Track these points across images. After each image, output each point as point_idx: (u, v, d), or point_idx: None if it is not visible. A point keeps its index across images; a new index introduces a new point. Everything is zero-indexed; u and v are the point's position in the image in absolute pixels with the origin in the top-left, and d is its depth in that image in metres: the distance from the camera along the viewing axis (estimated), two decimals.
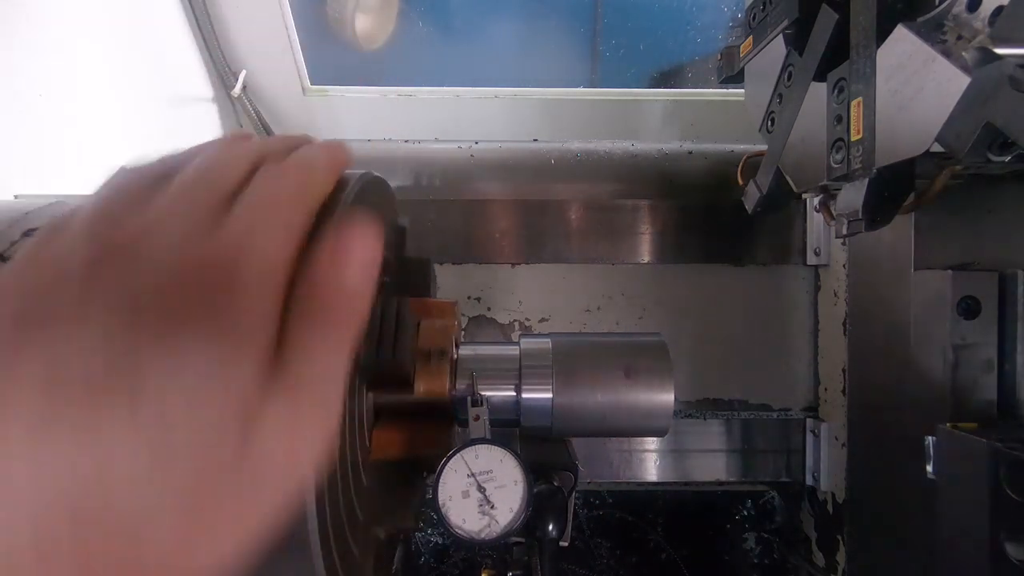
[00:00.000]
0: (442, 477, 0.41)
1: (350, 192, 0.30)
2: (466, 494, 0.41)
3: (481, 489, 0.41)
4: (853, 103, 0.41)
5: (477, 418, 0.43)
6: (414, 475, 0.48)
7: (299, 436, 0.19)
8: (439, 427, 0.45)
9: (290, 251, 0.20)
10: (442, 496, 0.41)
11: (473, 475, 0.41)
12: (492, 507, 0.40)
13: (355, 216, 0.22)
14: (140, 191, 0.20)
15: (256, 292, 0.19)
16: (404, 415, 0.44)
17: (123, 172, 0.22)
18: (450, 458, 0.41)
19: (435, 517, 0.40)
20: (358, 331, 0.21)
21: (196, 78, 0.92)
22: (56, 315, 0.16)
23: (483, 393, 0.46)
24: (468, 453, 0.41)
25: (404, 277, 0.48)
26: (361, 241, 0.22)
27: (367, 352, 0.38)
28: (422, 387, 0.43)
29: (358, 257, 0.21)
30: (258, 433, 0.18)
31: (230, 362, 0.17)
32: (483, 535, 0.40)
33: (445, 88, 0.99)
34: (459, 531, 0.40)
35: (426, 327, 0.45)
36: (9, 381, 0.15)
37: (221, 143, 0.23)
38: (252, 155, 0.22)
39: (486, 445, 0.42)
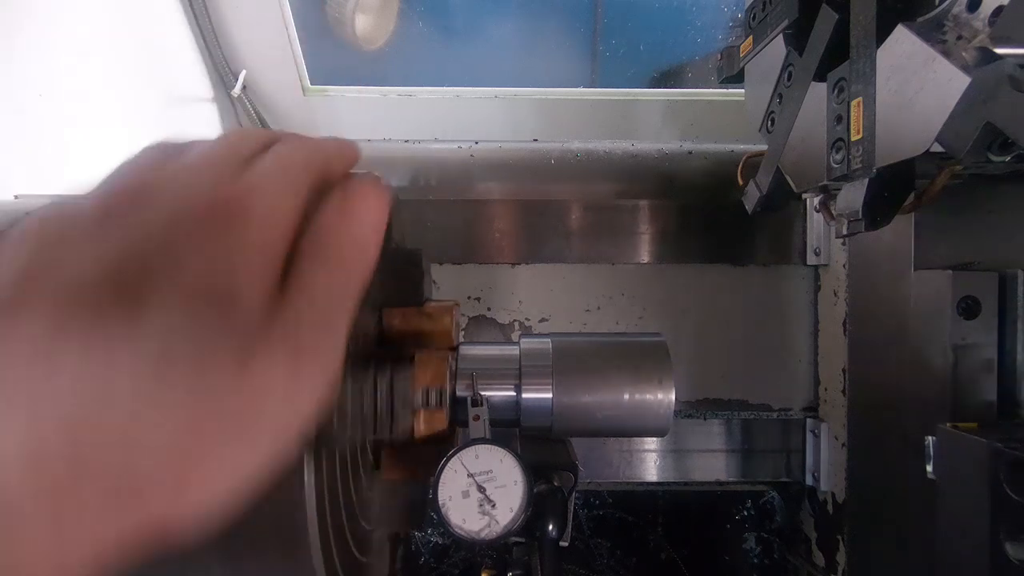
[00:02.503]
0: (442, 477, 0.41)
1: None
2: (466, 494, 0.41)
3: (481, 489, 0.41)
4: (853, 103, 0.41)
5: (477, 418, 0.43)
6: (418, 487, 0.48)
7: (300, 373, 0.19)
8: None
9: (298, 202, 0.21)
10: (442, 496, 0.41)
11: (473, 475, 0.41)
12: (492, 507, 0.40)
13: (366, 178, 0.23)
14: (157, 158, 0.21)
15: (262, 229, 0.19)
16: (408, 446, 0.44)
17: (145, 148, 0.22)
18: (450, 458, 0.41)
19: (435, 517, 0.41)
20: (364, 279, 0.22)
21: (196, 78, 0.92)
22: (68, 241, 0.17)
23: (483, 393, 0.46)
24: (468, 453, 0.41)
25: (395, 269, 0.48)
26: (370, 198, 0.22)
27: (365, 435, 0.39)
28: (423, 429, 0.43)
29: (366, 210, 0.22)
30: (257, 363, 0.18)
31: (232, 291, 0.18)
32: (483, 535, 0.40)
33: (445, 88, 0.99)
34: (459, 531, 0.40)
35: (421, 365, 0.44)
36: (19, 302, 0.16)
37: (233, 131, 0.24)
38: (267, 136, 0.23)
39: (486, 445, 0.42)
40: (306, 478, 0.30)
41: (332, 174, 0.24)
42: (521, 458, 0.41)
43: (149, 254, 0.17)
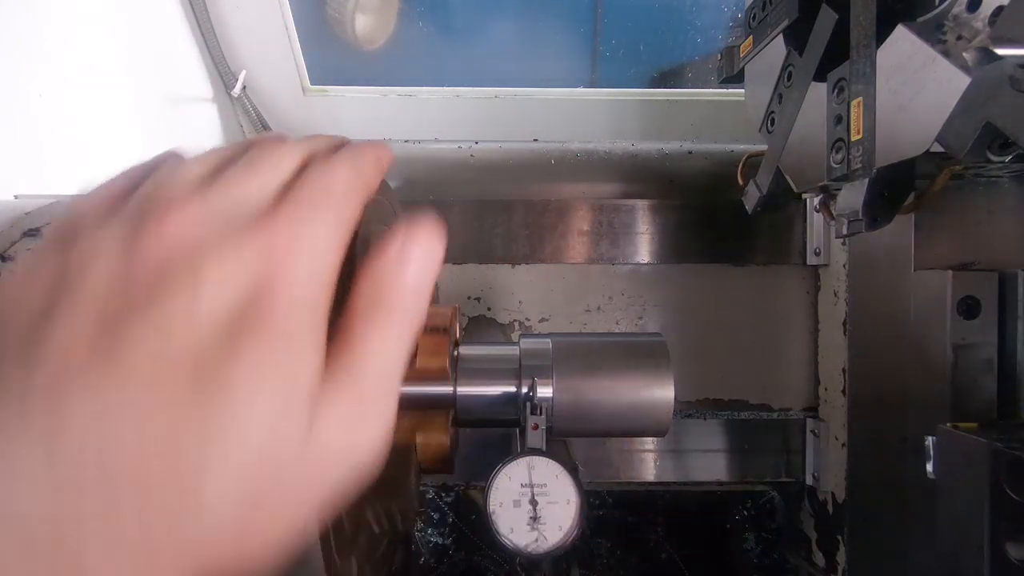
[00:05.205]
0: (495, 483, 0.40)
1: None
2: (517, 503, 0.40)
3: (533, 502, 0.40)
4: (853, 103, 0.41)
5: (536, 427, 0.42)
6: (410, 462, 0.48)
7: (359, 426, 0.20)
8: (438, 416, 0.45)
9: (341, 241, 0.21)
10: (492, 503, 0.40)
11: (527, 486, 0.40)
12: (542, 523, 0.40)
13: (422, 217, 0.23)
14: (186, 186, 0.20)
15: (308, 289, 0.19)
16: (403, 404, 0.44)
17: (172, 156, 0.22)
18: (505, 464, 0.41)
19: (488, 523, 0.40)
20: (418, 326, 0.22)
21: (196, 78, 0.92)
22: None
23: (484, 391, 0.46)
24: (523, 463, 0.41)
25: None
26: (425, 241, 0.23)
27: None
28: (421, 361, 0.43)
29: (422, 256, 0.22)
30: (321, 422, 0.19)
31: (291, 355, 0.18)
32: (529, 550, 0.40)
33: (445, 88, 0.99)
34: (506, 540, 0.40)
35: (428, 310, 0.46)
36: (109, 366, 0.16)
37: (266, 141, 0.23)
38: (300, 152, 0.22)
39: (543, 458, 0.41)
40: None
41: (371, 194, 0.23)
42: (578, 478, 0.41)
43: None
